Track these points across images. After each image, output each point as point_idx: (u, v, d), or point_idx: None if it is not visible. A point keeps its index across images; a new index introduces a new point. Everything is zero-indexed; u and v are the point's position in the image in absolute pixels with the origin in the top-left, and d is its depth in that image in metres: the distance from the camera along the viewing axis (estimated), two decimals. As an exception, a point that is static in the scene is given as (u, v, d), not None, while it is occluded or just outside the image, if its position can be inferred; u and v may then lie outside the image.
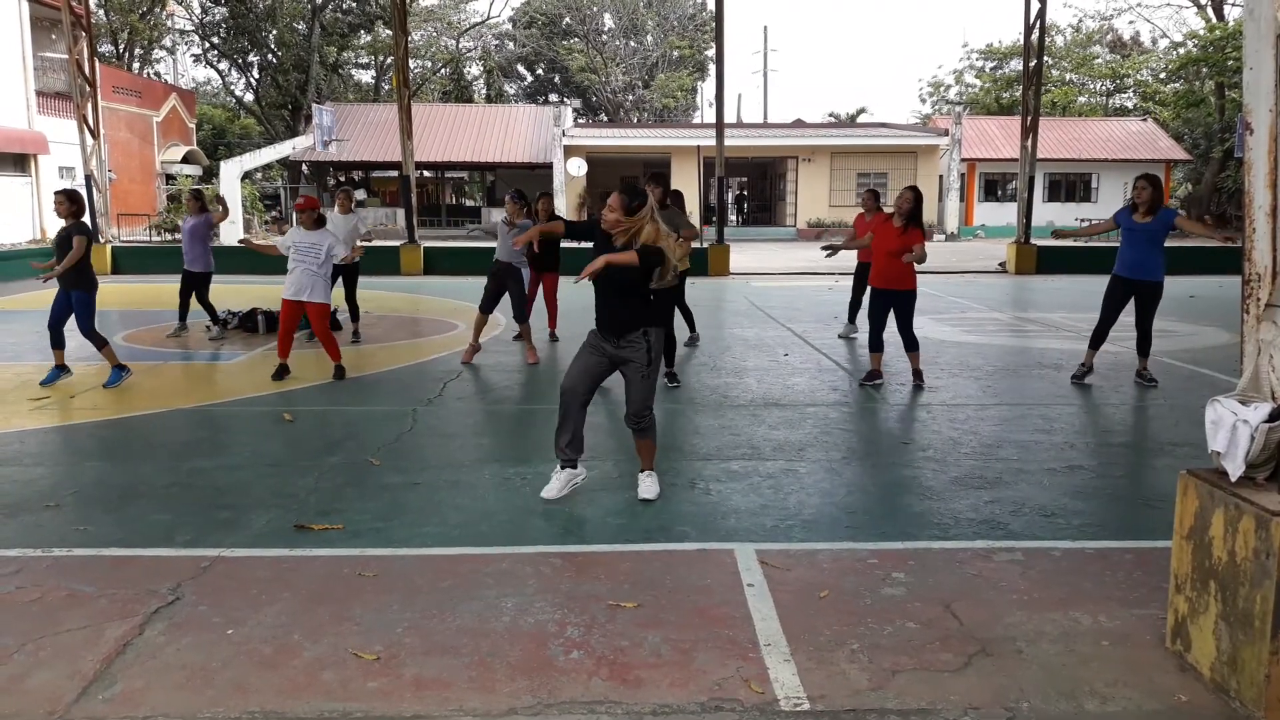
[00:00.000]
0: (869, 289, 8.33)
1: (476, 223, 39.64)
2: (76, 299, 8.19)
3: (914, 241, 7.82)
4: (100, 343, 8.33)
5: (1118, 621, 3.67)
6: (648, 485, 5.24)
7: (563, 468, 5.23)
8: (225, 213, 11.50)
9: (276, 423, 7.06)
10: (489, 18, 55.50)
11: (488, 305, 9.47)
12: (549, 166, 36.89)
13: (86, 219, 8.46)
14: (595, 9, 54.13)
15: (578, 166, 34.75)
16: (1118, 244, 8.27)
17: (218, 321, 11.24)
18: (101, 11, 40.22)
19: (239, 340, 10.96)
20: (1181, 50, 44.09)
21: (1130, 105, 49.36)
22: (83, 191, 13.51)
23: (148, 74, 46.30)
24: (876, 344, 8.30)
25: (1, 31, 29.03)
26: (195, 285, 11.17)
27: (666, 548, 4.49)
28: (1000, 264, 22.24)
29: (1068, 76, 49.40)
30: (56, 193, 8.35)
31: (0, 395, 7.91)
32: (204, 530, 4.70)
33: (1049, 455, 6.10)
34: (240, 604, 3.83)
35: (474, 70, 57.84)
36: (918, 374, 8.24)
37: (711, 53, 37.27)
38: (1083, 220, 34.17)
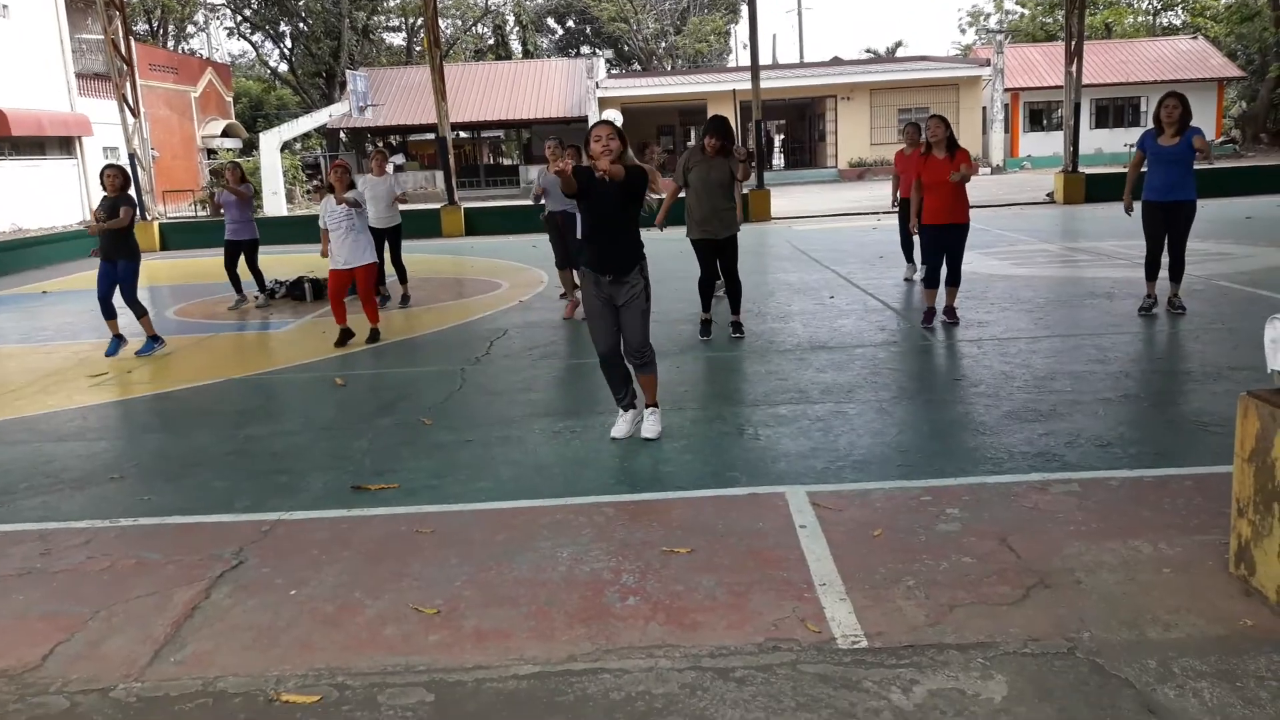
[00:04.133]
0: (921, 226, 8.12)
1: (515, 182, 39.54)
2: (123, 268, 8.50)
3: (965, 159, 7.72)
4: (141, 311, 8.64)
5: (1179, 549, 3.62)
6: (652, 423, 5.39)
7: (625, 410, 5.44)
8: (249, 189, 11.61)
9: (329, 387, 7.16)
10: (517, -29, 54.89)
11: (564, 260, 9.48)
12: (584, 120, 36.63)
13: (132, 193, 8.65)
14: (624, -45, 53.33)
15: (614, 117, 34.47)
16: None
17: (264, 289, 11.39)
18: (134, -10, 40.45)
19: (288, 308, 11.10)
20: (1233, -38, 42.45)
21: (1179, 23, 47.70)
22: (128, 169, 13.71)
23: (183, 50, 46.61)
24: (933, 280, 8.14)
25: (39, 16, 29.35)
26: (245, 252, 11.29)
27: (718, 493, 4.49)
28: (1048, 194, 21.77)
29: (1113, -3, 47.81)
30: (108, 166, 8.54)
31: (60, 373, 8.10)
32: (263, 495, 4.79)
33: (1103, 385, 5.99)
34: (302, 565, 3.91)
35: (506, 26, 57.41)
36: (951, 309, 8.09)
37: (743, -6, 36.55)
38: (1129, 145, 33.23)
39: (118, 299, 8.55)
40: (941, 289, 8.11)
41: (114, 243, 8.45)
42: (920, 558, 3.66)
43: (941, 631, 3.12)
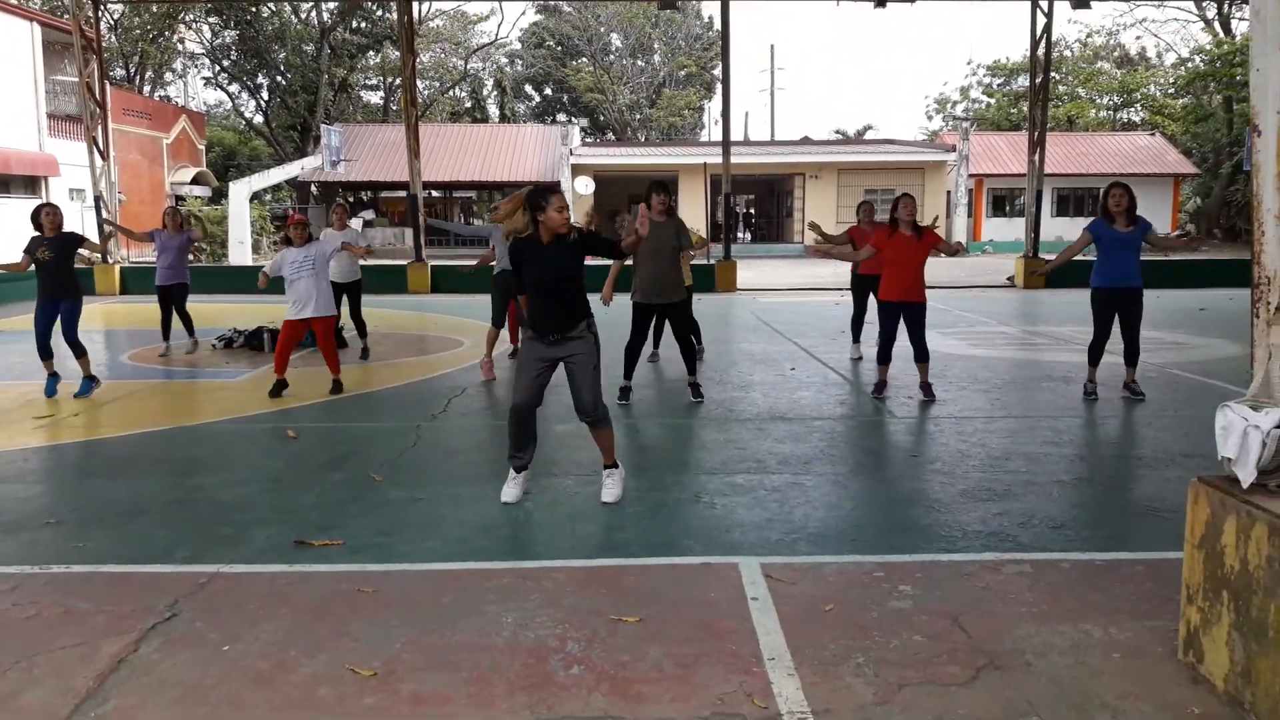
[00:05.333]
0: (880, 302, 8.23)
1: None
2: (66, 309, 8.45)
3: (934, 239, 7.95)
4: (81, 351, 8.54)
5: (1129, 634, 3.60)
6: (610, 486, 5.33)
7: (518, 472, 5.36)
8: (203, 234, 11.49)
9: (280, 440, 7.03)
10: (497, 39, 55.74)
11: (500, 319, 9.54)
12: (557, 185, 36.97)
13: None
14: (603, 29, 54.39)
15: (585, 185, 34.78)
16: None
17: (192, 334, 11.17)
18: (113, 35, 40.56)
19: (244, 359, 10.95)
20: (1189, 65, 44.07)
21: (1138, 120, 49.29)
22: (93, 213, 13.56)
23: (158, 97, 46.64)
24: (886, 356, 8.24)
25: (13, 55, 29.28)
26: (176, 298, 11.10)
27: (670, 561, 4.43)
28: (1009, 278, 22.16)
29: (1076, 91, 49.37)
30: (45, 205, 8.53)
31: (4, 413, 7.90)
32: (203, 547, 4.65)
33: (1058, 467, 6.03)
34: (237, 620, 3.78)
35: (484, 90, 58.13)
36: (926, 386, 8.15)
37: (718, 71, 37.34)
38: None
39: (57, 338, 8.44)
40: (892, 367, 8.21)
41: (60, 283, 8.38)
42: (871, 634, 3.61)
43: (889, 711, 3.07)
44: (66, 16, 23.95)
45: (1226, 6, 42.62)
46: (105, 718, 3.07)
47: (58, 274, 8.33)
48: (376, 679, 3.30)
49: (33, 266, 8.39)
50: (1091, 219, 8.24)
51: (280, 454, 6.67)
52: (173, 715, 3.08)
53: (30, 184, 30.09)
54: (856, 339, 10.76)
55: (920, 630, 3.64)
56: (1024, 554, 4.47)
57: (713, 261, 20.60)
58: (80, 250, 8.71)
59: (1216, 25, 43.26)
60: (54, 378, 8.56)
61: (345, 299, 10.86)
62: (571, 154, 37.08)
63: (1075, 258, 8.43)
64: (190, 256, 11.37)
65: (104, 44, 25.01)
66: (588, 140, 48.84)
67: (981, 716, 3.02)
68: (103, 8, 22.26)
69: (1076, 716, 3.02)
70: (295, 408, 8.10)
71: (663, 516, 5.10)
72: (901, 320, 8.05)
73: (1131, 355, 8.11)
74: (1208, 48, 42.10)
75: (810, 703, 3.12)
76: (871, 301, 10.43)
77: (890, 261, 7.98)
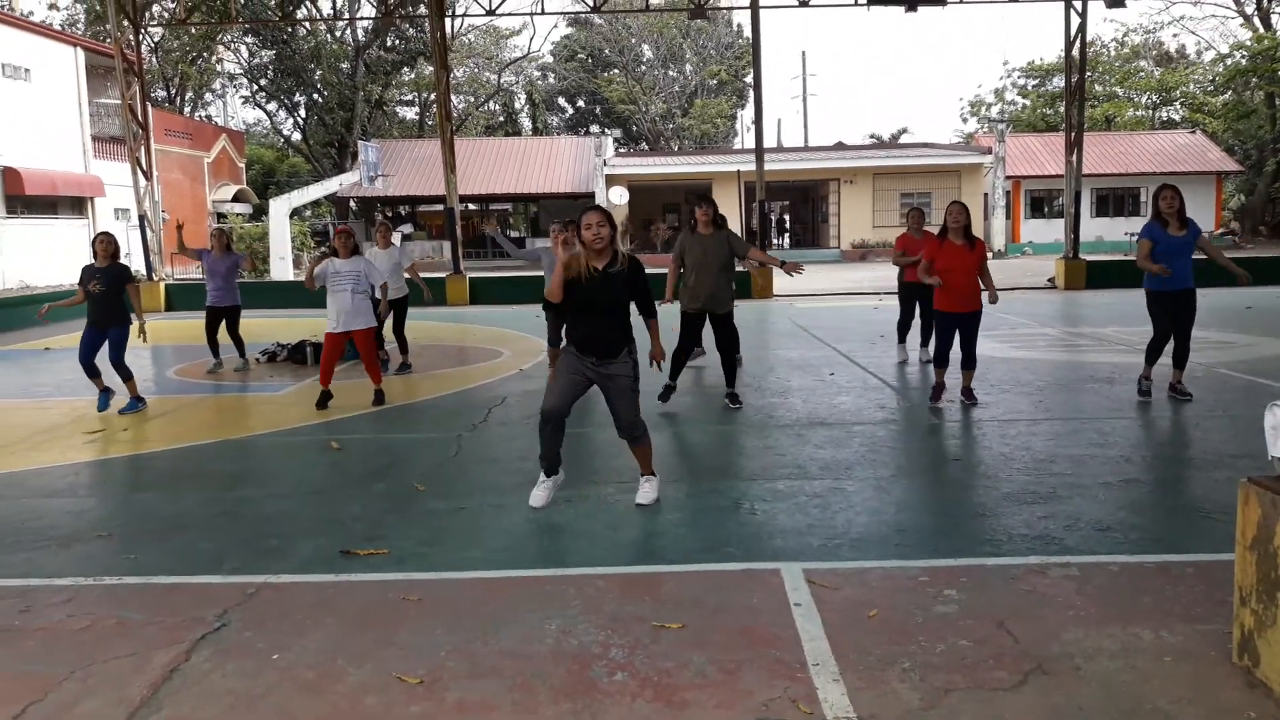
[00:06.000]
0: (936, 313, 8.15)
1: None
2: (114, 335, 8.62)
3: (983, 254, 7.88)
4: (128, 375, 8.69)
5: (1180, 637, 3.55)
6: (647, 491, 5.37)
7: (549, 475, 5.38)
8: (249, 263, 11.65)
9: (324, 451, 7.11)
10: (530, 53, 56.12)
11: (556, 339, 9.51)
12: (591, 196, 37.10)
13: (124, 259, 8.84)
14: (634, 40, 54.57)
15: (619, 195, 34.91)
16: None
17: (243, 356, 11.31)
18: (154, 58, 41.35)
19: (288, 372, 11.09)
20: (1229, 61, 43.38)
21: (1178, 118, 48.59)
22: (136, 232, 13.75)
23: (199, 117, 47.46)
24: (944, 360, 8.13)
25: (58, 80, 29.95)
26: (227, 319, 11.26)
27: (712, 568, 4.42)
28: (1049, 280, 21.92)
29: (1113, 90, 48.77)
30: (101, 234, 8.71)
31: (55, 429, 8.06)
32: (250, 558, 4.72)
33: (1104, 469, 5.94)
34: (285, 630, 3.83)
35: (517, 103, 58.54)
36: (968, 391, 8.07)
37: (750, 79, 37.32)
38: (1131, 235, 33.55)
39: (102, 361, 8.61)
40: (956, 370, 8.12)
41: (109, 311, 8.52)
42: (916, 639, 3.58)
43: (936, 716, 3.04)
44: (109, 41, 24.44)
45: (1266, 2, 41.93)
46: (158, 726, 3.12)
47: (108, 305, 8.52)
48: (422, 687, 3.33)
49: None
50: (1145, 224, 8.13)
51: (324, 465, 6.74)
52: (224, 723, 3.12)
53: (77, 205, 30.75)
54: (902, 341, 10.73)
55: (966, 635, 3.61)
56: (1070, 557, 4.42)
57: (748, 269, 20.54)
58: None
59: (1256, 20, 42.54)
60: (106, 393, 8.70)
61: (391, 315, 10.96)
62: (605, 165, 37.19)
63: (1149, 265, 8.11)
64: (241, 275, 11.54)
65: (145, 66, 25.51)
66: (621, 151, 48.96)
67: (1030, 721, 2.99)
68: (143, 31, 22.69)
69: (1128, 721, 2.98)
70: (338, 419, 8.19)
71: (704, 523, 5.09)
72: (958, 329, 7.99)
73: (1181, 358, 8.02)
74: (1248, 43, 41.40)
75: (856, 708, 3.10)
76: (918, 306, 10.39)
77: (942, 271, 7.85)
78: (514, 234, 44.37)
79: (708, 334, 8.47)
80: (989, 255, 8.01)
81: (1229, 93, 44.97)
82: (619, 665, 3.45)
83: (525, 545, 4.85)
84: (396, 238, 11.34)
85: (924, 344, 10.50)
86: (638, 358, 5.27)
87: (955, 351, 8.02)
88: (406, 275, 11.07)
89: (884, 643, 3.57)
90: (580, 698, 3.23)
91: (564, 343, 5.32)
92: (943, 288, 7.86)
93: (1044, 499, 5.33)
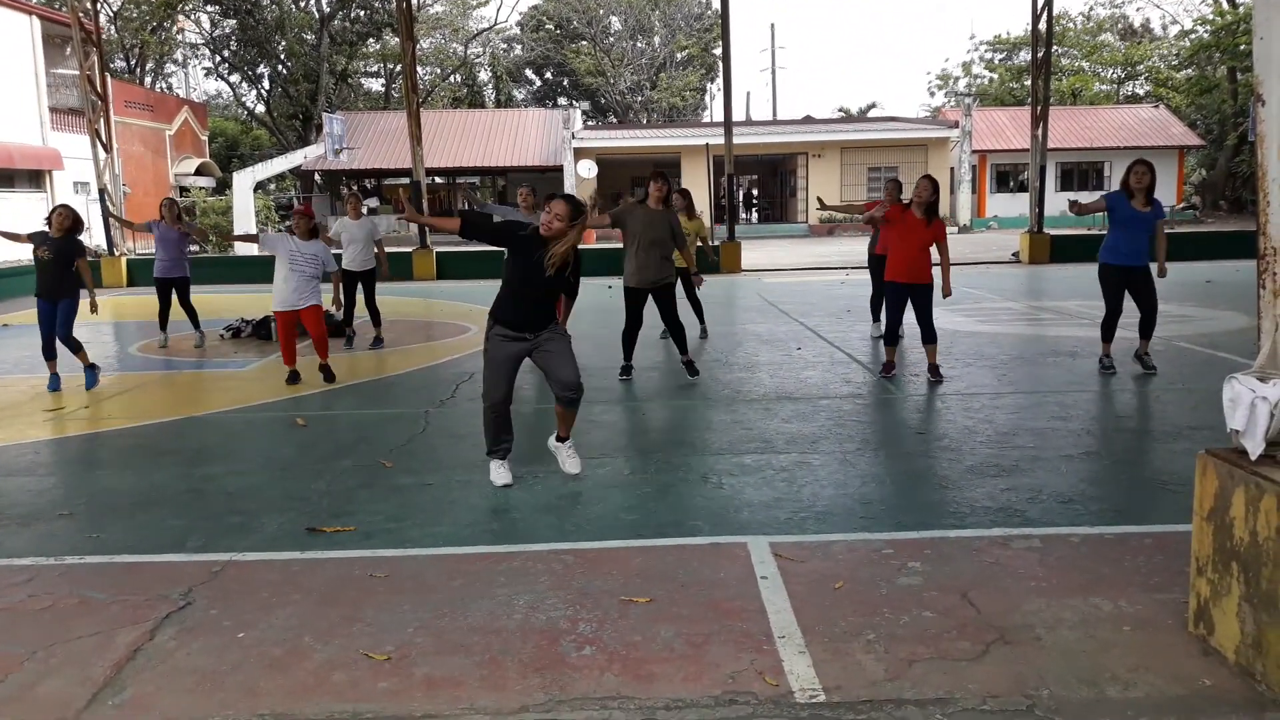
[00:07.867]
0: (886, 284, 8.21)
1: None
2: (65, 306, 8.50)
3: (941, 235, 7.83)
4: (77, 346, 8.60)
5: (1138, 606, 3.61)
6: (571, 456, 5.44)
7: (503, 459, 5.41)
8: (203, 234, 11.47)
9: (289, 428, 7.06)
10: (496, 23, 55.55)
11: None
12: (559, 169, 36.91)
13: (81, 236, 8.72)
14: (602, 11, 54.14)
15: (588, 168, 34.76)
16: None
17: (199, 326, 11.17)
18: (112, 28, 40.49)
19: (253, 348, 10.98)
20: (1193, 36, 43.75)
21: (1142, 92, 48.98)
22: (97, 205, 13.54)
23: (160, 88, 46.59)
24: (893, 338, 8.23)
25: (14, 49, 29.25)
26: (177, 290, 11.07)
27: (679, 542, 4.45)
28: (1014, 254, 22.10)
29: (1079, 65, 49.05)
30: (59, 206, 8.54)
31: (15, 407, 7.94)
32: (215, 535, 4.68)
33: (1066, 442, 6.02)
34: (251, 607, 3.81)
35: (483, 75, 57.98)
36: (934, 368, 8.13)
37: (719, 52, 37.18)
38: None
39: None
40: (902, 346, 8.18)
41: (57, 282, 8.39)
42: (881, 611, 3.63)
43: (900, 687, 3.08)
44: (65, 9, 23.89)
45: (1230, -24, 42.25)
46: (123, 706, 3.10)
47: (55, 274, 8.39)
48: (390, 663, 3.33)
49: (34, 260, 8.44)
50: (1112, 191, 8.20)
51: (290, 442, 6.69)
52: (189, 702, 3.10)
53: (34, 178, 30.12)
54: (876, 318, 10.74)
55: (930, 606, 3.65)
56: (1032, 529, 4.48)
57: (717, 243, 20.54)
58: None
59: (1220, -5, 42.89)
60: (55, 377, 8.63)
61: (360, 287, 10.86)
62: (574, 138, 36.99)
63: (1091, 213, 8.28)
64: (193, 248, 11.37)
65: (103, 36, 24.99)
66: (590, 124, 48.70)
67: (992, 691, 3.04)
68: (101, -1, 22.23)
69: (1087, 689, 3.04)
70: (304, 395, 8.13)
71: (671, 497, 5.11)
72: (909, 302, 8.04)
73: (1147, 327, 8.10)
74: (1211, 18, 41.76)
75: (821, 680, 3.13)
76: None
77: (893, 238, 7.97)
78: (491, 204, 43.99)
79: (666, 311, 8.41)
80: (954, 230, 8.08)
81: (1192, 67, 45.38)
82: (587, 639, 3.47)
83: (493, 521, 4.85)
84: (364, 210, 11.23)
85: (875, 319, 10.59)
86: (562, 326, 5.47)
87: (913, 329, 8.09)
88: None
89: (849, 615, 3.60)
90: (549, 672, 3.24)
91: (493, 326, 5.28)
92: (892, 256, 7.95)
93: (1007, 472, 5.40)
